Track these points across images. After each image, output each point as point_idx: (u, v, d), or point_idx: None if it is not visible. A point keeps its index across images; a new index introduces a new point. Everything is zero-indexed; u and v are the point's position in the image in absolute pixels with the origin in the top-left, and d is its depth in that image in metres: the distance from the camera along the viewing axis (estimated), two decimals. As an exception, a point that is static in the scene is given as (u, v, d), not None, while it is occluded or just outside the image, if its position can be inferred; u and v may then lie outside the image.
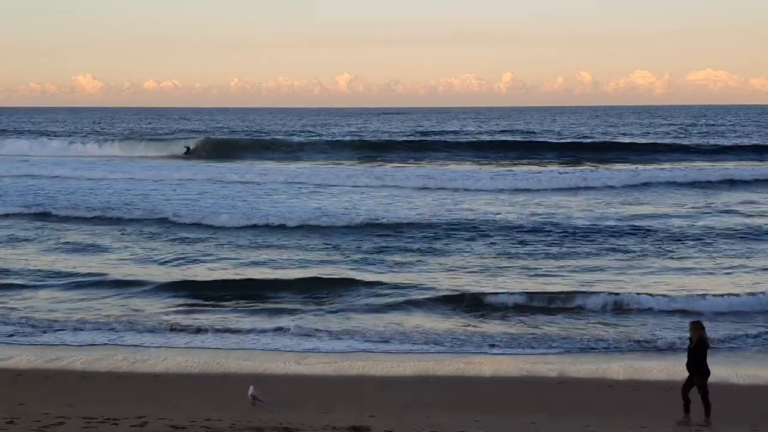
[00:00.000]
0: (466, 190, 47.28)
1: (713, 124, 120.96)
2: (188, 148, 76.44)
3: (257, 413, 14.13)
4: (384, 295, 23.93)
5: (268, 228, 34.42)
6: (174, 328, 20.88)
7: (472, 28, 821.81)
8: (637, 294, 23.30)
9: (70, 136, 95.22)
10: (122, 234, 33.55)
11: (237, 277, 26.07)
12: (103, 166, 61.52)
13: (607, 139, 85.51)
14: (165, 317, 22.00)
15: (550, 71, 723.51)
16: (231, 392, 15.37)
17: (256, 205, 40.67)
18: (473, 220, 35.91)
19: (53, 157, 70.34)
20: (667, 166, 59.84)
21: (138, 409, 14.09)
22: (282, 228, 34.32)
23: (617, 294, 23.26)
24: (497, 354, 19.27)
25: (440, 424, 13.69)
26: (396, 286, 24.79)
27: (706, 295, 23.32)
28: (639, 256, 29.16)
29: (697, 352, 14.21)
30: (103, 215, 37.37)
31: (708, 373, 14.22)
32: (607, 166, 61.38)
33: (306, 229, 34.07)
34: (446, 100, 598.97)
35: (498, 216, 37.15)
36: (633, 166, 59.62)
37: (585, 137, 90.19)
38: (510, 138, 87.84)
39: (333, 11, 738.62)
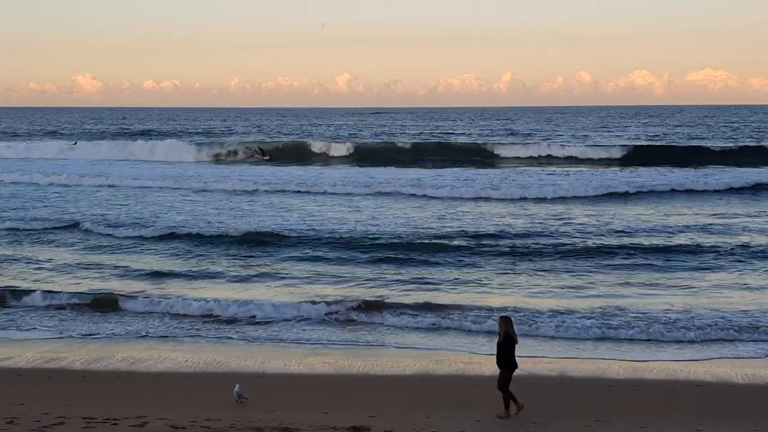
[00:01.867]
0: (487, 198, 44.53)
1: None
2: (263, 151, 74.53)
3: (257, 413, 14.14)
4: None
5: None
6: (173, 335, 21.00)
7: (472, 28, 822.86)
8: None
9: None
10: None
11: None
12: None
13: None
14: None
15: (550, 71, 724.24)
16: (231, 392, 15.36)
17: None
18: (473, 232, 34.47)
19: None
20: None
21: (138, 409, 14.10)
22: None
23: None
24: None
25: (440, 424, 13.70)
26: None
27: None
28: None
29: (505, 346, 14.41)
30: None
31: (515, 366, 14.50)
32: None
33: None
34: (446, 100, 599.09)
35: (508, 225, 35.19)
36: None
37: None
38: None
39: (333, 11, 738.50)
